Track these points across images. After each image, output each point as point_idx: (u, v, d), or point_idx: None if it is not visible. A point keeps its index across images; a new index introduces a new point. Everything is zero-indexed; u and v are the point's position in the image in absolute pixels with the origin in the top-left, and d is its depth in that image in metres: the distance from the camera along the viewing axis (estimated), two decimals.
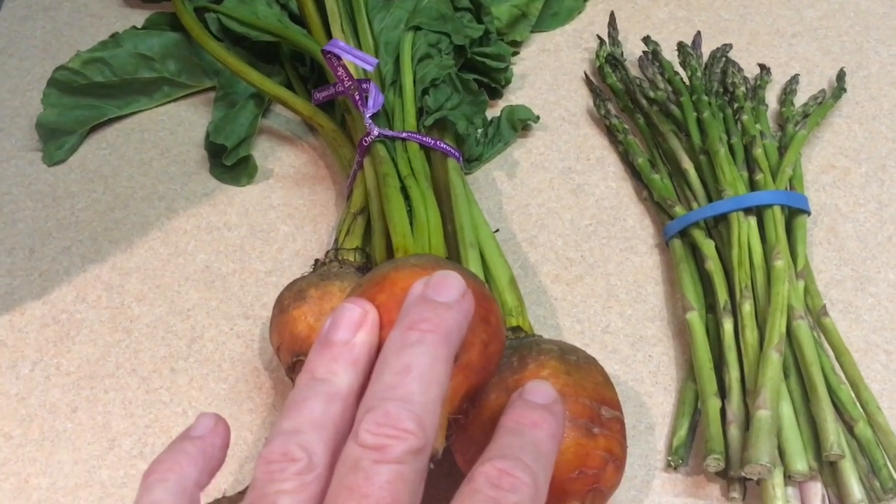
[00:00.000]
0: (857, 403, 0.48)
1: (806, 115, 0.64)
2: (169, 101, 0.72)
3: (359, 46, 0.64)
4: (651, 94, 0.66)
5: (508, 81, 0.71)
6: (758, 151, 0.59)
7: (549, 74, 0.73)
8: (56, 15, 0.81)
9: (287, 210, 0.64)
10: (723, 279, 0.54)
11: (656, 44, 0.70)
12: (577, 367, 0.43)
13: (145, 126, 0.70)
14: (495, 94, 0.70)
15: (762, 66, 0.69)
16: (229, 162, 0.65)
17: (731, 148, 0.60)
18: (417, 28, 0.65)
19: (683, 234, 0.57)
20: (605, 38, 0.73)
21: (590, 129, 0.68)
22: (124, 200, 0.65)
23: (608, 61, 0.70)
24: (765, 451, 0.44)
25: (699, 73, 0.66)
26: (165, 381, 0.55)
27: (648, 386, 0.53)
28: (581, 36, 0.75)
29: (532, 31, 0.75)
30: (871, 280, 0.58)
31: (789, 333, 0.50)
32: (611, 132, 0.66)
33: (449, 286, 0.35)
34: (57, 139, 0.68)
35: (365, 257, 0.54)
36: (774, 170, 0.59)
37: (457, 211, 0.54)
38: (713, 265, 0.54)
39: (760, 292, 0.52)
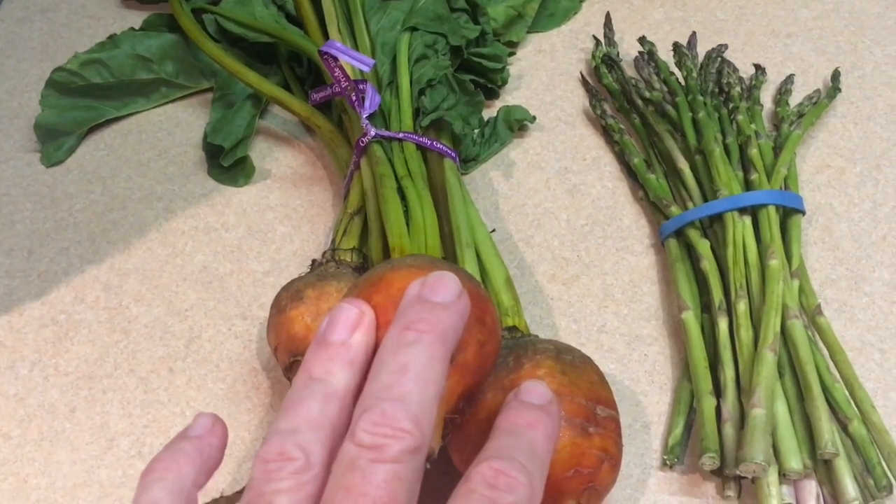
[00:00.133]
0: (852, 402, 0.49)
1: (801, 115, 0.65)
2: (167, 103, 0.72)
3: (355, 47, 0.65)
4: (647, 94, 0.66)
5: (505, 82, 0.71)
6: (753, 151, 0.59)
7: (545, 75, 0.73)
8: (54, 16, 0.81)
9: (284, 210, 0.64)
10: (718, 279, 0.54)
11: (652, 44, 0.71)
12: (573, 366, 0.44)
13: (143, 127, 0.71)
14: (492, 94, 0.71)
15: (757, 67, 0.69)
16: (227, 163, 0.65)
17: (726, 148, 0.60)
18: (414, 29, 0.65)
19: (679, 233, 0.58)
20: (601, 38, 0.73)
21: (586, 130, 0.68)
22: (122, 201, 0.66)
23: (604, 62, 0.70)
24: (760, 450, 0.45)
25: (695, 74, 0.67)
26: (163, 382, 0.55)
27: (644, 385, 0.54)
28: (577, 36, 0.76)
29: (528, 32, 0.75)
30: (866, 279, 0.58)
31: (784, 332, 0.50)
32: (607, 132, 0.67)
33: (445, 286, 0.35)
34: (55, 140, 0.68)
35: (362, 257, 0.54)
36: (769, 169, 0.59)
37: (453, 211, 0.54)
38: (708, 265, 0.55)
39: (755, 291, 0.52)
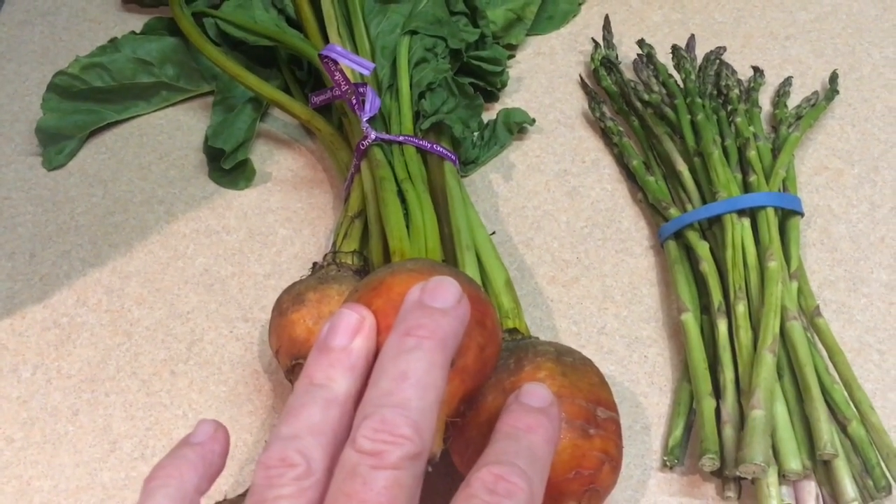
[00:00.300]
0: (851, 403, 0.49)
1: (799, 117, 0.65)
2: (167, 106, 0.72)
3: (355, 51, 0.65)
4: (645, 96, 0.66)
5: (504, 85, 0.72)
6: (751, 153, 0.60)
7: (544, 77, 0.73)
8: (55, 20, 0.81)
9: (285, 213, 0.64)
10: (717, 280, 0.54)
11: (650, 47, 0.71)
12: (573, 368, 0.44)
13: (144, 130, 0.71)
14: (491, 97, 0.71)
15: (755, 69, 0.69)
16: (228, 166, 0.65)
17: (724, 150, 0.61)
18: (414, 32, 0.65)
19: (678, 235, 0.58)
20: (600, 41, 0.73)
21: (585, 132, 0.69)
22: (124, 204, 0.66)
23: (603, 64, 0.71)
24: (759, 451, 0.45)
25: (693, 76, 0.67)
26: (166, 384, 0.56)
27: (644, 386, 0.54)
28: (576, 39, 0.76)
29: (527, 35, 0.75)
30: (864, 281, 0.58)
31: (783, 334, 0.51)
32: (606, 135, 0.67)
33: (445, 292, 0.35)
34: (56, 144, 0.69)
35: (362, 260, 0.54)
36: (768, 171, 0.59)
37: (453, 214, 0.54)
38: (707, 266, 0.55)
39: (754, 293, 0.53)
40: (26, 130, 0.71)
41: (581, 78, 0.72)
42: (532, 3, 0.74)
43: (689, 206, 0.59)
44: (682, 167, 0.61)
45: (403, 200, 0.54)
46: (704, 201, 0.59)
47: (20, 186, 0.67)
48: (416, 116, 0.62)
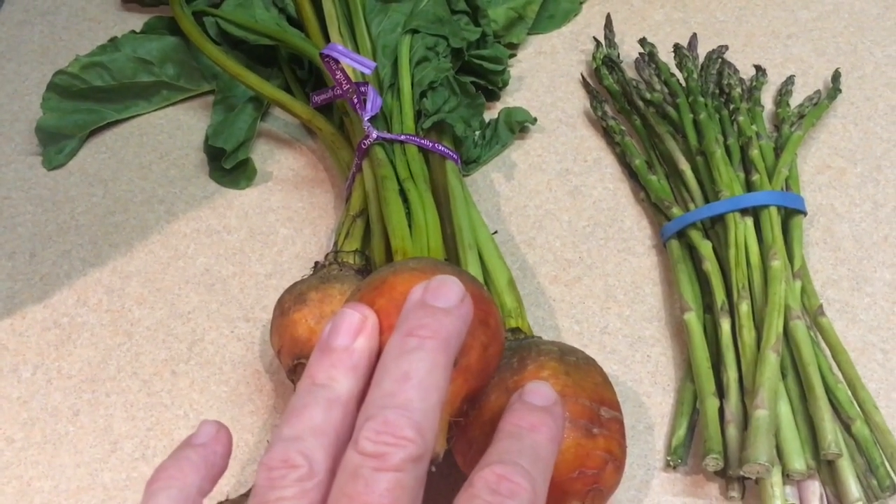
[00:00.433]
0: (855, 402, 0.49)
1: (801, 116, 0.65)
2: (168, 105, 0.72)
3: (356, 50, 0.65)
4: (647, 95, 0.66)
5: (506, 84, 0.71)
6: (754, 152, 0.59)
7: (545, 76, 0.73)
8: (54, 19, 0.81)
9: (286, 213, 0.64)
10: (720, 279, 0.54)
11: (652, 45, 0.71)
12: (577, 367, 0.44)
13: (144, 130, 0.71)
14: (492, 96, 0.71)
15: (758, 68, 0.69)
16: (228, 165, 0.65)
17: (727, 149, 0.60)
18: (415, 31, 0.65)
19: (681, 234, 0.58)
20: (602, 40, 0.73)
21: (587, 131, 0.68)
22: (124, 204, 0.66)
23: (605, 63, 0.70)
24: (763, 451, 0.45)
25: (695, 75, 0.67)
26: (166, 384, 0.55)
27: (647, 386, 0.54)
28: (577, 38, 0.76)
29: (529, 34, 0.75)
30: (868, 279, 0.58)
31: (786, 333, 0.51)
32: (608, 134, 0.67)
33: (447, 291, 0.35)
34: (56, 143, 0.69)
35: (364, 259, 0.54)
36: (770, 170, 0.59)
37: (455, 213, 0.54)
38: (710, 266, 0.55)
39: (757, 292, 0.52)
40: (26, 130, 0.71)
41: (583, 77, 0.72)
42: (533, 1, 0.74)
43: (691, 206, 0.59)
44: (684, 166, 0.60)
45: (405, 200, 0.54)
46: (707, 200, 0.59)
47: (20, 186, 0.67)
48: (418, 115, 0.61)
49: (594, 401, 0.43)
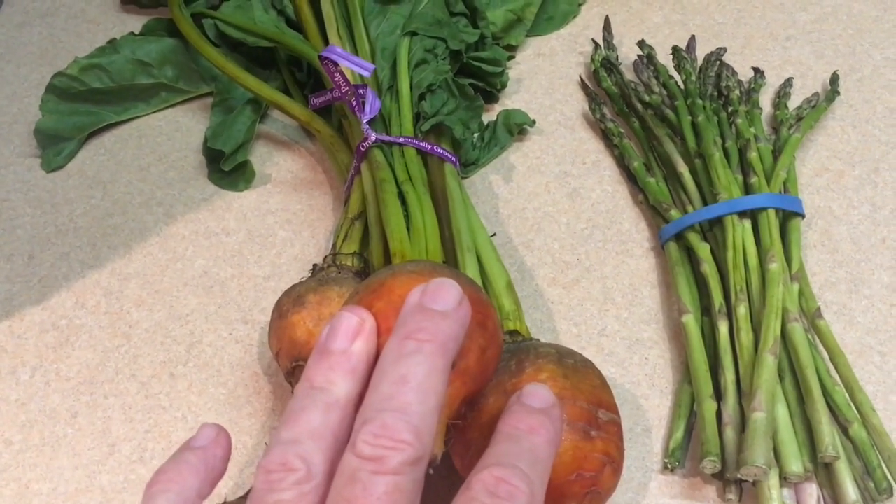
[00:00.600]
0: (852, 405, 0.49)
1: (800, 119, 0.65)
2: (167, 107, 0.72)
3: (355, 52, 0.65)
4: (646, 97, 0.66)
5: (504, 86, 0.71)
6: (752, 155, 0.60)
7: (544, 78, 0.73)
8: (53, 21, 0.81)
9: (285, 215, 0.64)
10: (718, 282, 0.54)
11: (651, 48, 0.71)
12: (575, 370, 0.44)
13: (143, 132, 0.71)
14: (491, 98, 0.71)
15: (756, 70, 0.69)
16: (227, 167, 0.65)
17: (725, 151, 0.60)
18: (413, 33, 0.65)
19: (679, 237, 0.58)
20: (600, 42, 0.73)
21: (585, 133, 0.68)
22: (123, 206, 0.66)
23: (603, 65, 0.70)
24: (761, 453, 0.45)
25: (694, 77, 0.67)
26: (165, 387, 0.55)
27: (645, 389, 0.54)
28: (576, 40, 0.76)
29: (527, 36, 0.75)
30: (865, 282, 0.58)
31: (784, 336, 0.51)
32: (606, 136, 0.67)
33: (445, 294, 0.35)
34: (55, 145, 0.69)
35: (363, 262, 0.54)
36: (769, 173, 0.59)
37: (454, 215, 0.54)
38: (708, 268, 0.55)
39: (755, 295, 0.52)
40: (25, 132, 0.71)
41: (581, 79, 0.72)
42: (532, 3, 0.74)
43: (689, 208, 0.59)
44: (682, 168, 0.60)
45: (404, 202, 0.54)
46: (705, 203, 0.59)
47: (19, 188, 0.67)
48: (417, 118, 0.61)
49: (592, 403, 0.43)
